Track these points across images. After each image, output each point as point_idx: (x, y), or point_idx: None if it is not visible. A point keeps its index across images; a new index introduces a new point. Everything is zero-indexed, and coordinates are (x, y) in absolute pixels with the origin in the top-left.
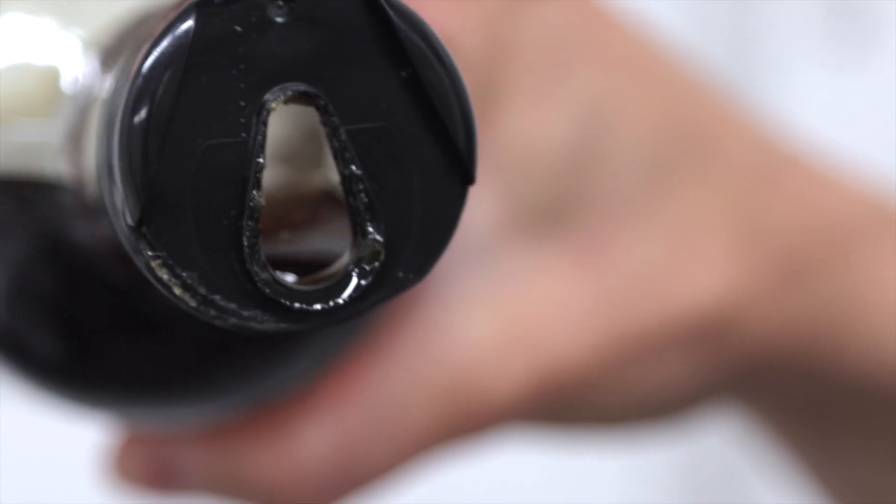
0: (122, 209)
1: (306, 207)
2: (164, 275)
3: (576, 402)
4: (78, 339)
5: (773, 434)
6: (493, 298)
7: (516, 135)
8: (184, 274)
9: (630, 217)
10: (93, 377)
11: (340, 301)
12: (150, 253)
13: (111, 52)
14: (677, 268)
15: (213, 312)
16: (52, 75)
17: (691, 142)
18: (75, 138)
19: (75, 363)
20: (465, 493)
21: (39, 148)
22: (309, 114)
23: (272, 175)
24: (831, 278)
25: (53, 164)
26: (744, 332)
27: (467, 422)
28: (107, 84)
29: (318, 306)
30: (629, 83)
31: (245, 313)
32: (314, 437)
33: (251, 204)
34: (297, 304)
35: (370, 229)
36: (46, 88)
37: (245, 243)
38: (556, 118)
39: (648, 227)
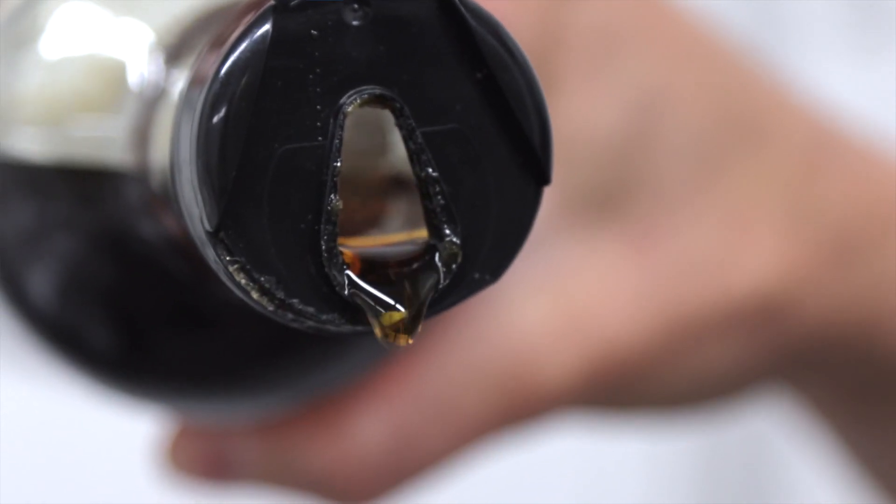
0: (199, 214)
1: (376, 199)
2: (242, 279)
3: (629, 387)
4: (137, 332)
5: (819, 418)
6: (548, 286)
7: (569, 122)
8: (262, 278)
9: (682, 202)
10: (150, 370)
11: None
12: (228, 258)
13: (177, 48)
14: (730, 251)
15: (290, 316)
16: (116, 70)
17: (742, 126)
18: (141, 134)
19: (133, 356)
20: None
21: (103, 142)
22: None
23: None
24: (882, 259)
25: (117, 158)
26: (796, 314)
27: (523, 407)
28: (176, 81)
29: None
30: (680, 70)
31: (323, 317)
32: (370, 425)
33: (329, 208)
34: None
35: (447, 231)
36: (111, 84)
37: (323, 247)
38: (608, 105)
39: (700, 211)
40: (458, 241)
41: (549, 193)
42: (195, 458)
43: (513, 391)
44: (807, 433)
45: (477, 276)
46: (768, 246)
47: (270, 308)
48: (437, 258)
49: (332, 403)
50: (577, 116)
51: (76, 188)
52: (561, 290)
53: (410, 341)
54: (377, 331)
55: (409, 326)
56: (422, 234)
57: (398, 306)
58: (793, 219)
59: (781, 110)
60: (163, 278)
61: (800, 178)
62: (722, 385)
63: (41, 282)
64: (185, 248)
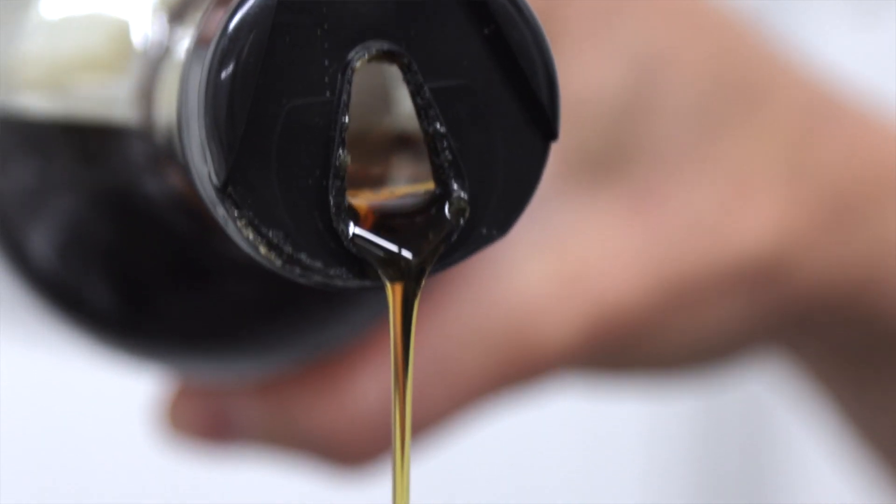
0: (207, 170)
1: (383, 156)
2: (250, 234)
3: (629, 347)
4: (139, 290)
5: (816, 384)
6: (548, 246)
7: (570, 82)
8: (269, 233)
9: (682, 163)
10: (153, 328)
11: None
12: (236, 213)
13: (181, 6)
14: (729, 212)
15: (298, 271)
16: (120, 30)
17: (742, 89)
18: (145, 92)
19: (136, 314)
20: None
21: (107, 101)
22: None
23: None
24: (881, 221)
25: (120, 116)
26: (794, 274)
27: (523, 367)
28: (180, 39)
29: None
30: (681, 33)
31: (331, 271)
32: (370, 384)
33: (336, 163)
34: None
35: (455, 186)
36: (115, 43)
37: (331, 202)
38: (610, 66)
39: (700, 172)
40: (465, 197)
41: (550, 154)
42: (195, 419)
43: (513, 351)
44: (804, 399)
45: (484, 231)
46: (767, 207)
47: (278, 263)
48: (445, 210)
49: (333, 363)
50: (578, 77)
51: (80, 147)
52: (561, 250)
53: (418, 291)
54: (384, 280)
55: (415, 278)
56: (429, 186)
57: (405, 254)
58: (792, 180)
59: (781, 74)
60: (166, 236)
61: (799, 141)
62: (721, 346)
63: (44, 240)
64: (189, 205)
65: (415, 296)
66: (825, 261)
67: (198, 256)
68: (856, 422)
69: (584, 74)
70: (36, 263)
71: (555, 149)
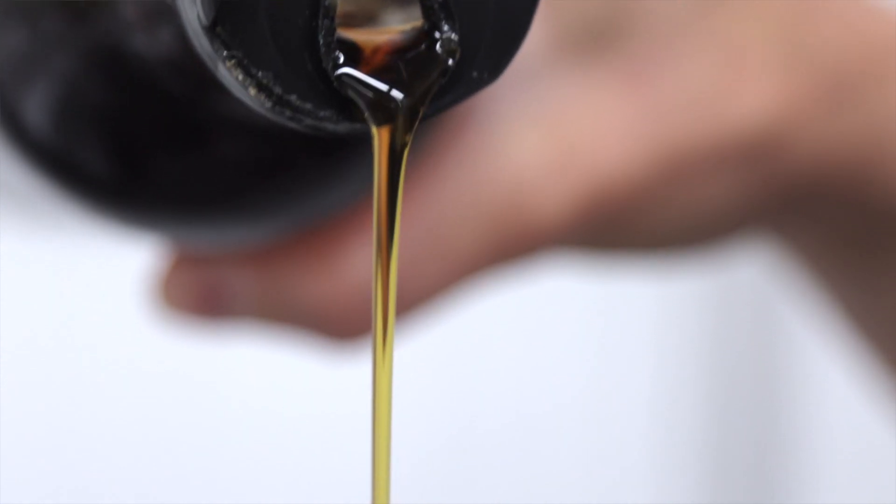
0: (195, 10)
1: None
2: (240, 75)
3: (624, 222)
4: (131, 153)
5: (809, 272)
6: (542, 120)
7: None
8: (259, 73)
9: (677, 38)
10: (146, 192)
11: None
12: (224, 53)
13: None
14: (725, 87)
15: (288, 113)
16: None
17: None
18: None
19: (128, 178)
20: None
21: None
22: None
23: None
24: (878, 100)
25: None
26: (791, 151)
27: (515, 243)
28: None
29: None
30: None
31: (321, 113)
32: (363, 255)
33: (326, 3)
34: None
35: (445, 28)
36: None
37: (321, 42)
38: None
39: (695, 47)
40: (456, 38)
41: (542, 29)
42: (188, 292)
43: (507, 225)
44: (796, 287)
45: (475, 74)
46: (763, 82)
47: (268, 105)
48: (437, 49)
49: (327, 233)
50: None
51: (68, 5)
52: (554, 125)
53: (408, 138)
54: (373, 124)
55: (406, 119)
56: (419, 24)
57: (395, 94)
58: (788, 56)
59: None
60: (158, 98)
61: (796, 17)
62: (715, 223)
63: (35, 105)
64: (181, 64)
65: (404, 145)
66: (821, 138)
67: (191, 118)
68: (850, 311)
69: None
70: (27, 129)
71: (547, 24)
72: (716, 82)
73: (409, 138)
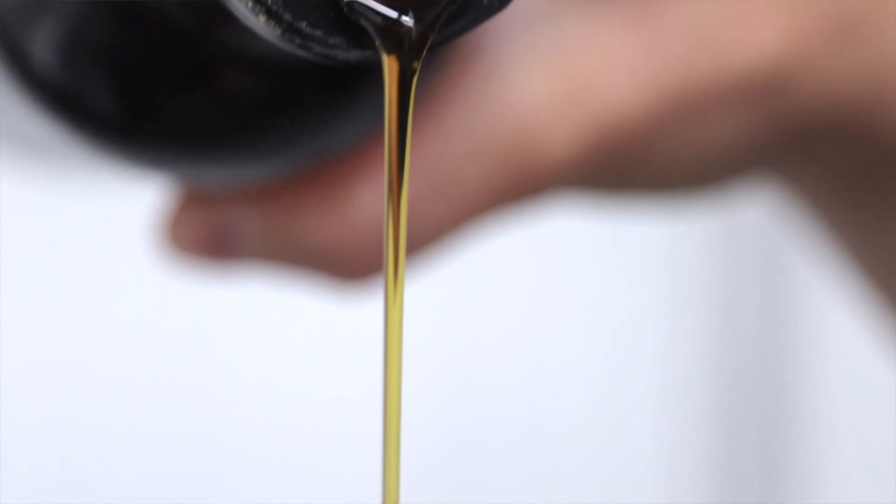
0: None
1: None
2: (249, 2)
3: (630, 162)
4: (137, 89)
5: (814, 214)
6: (549, 58)
7: None
8: (268, 0)
9: None
10: (151, 129)
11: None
12: None
13: None
14: (731, 25)
15: (297, 41)
16: None
17: None
18: None
19: (134, 115)
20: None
21: None
22: None
23: None
24: (883, 38)
25: None
26: (798, 89)
27: (525, 181)
28: None
29: None
30: None
31: (330, 41)
32: (371, 195)
33: None
34: None
35: None
36: None
37: None
38: None
39: None
40: None
41: None
42: (197, 233)
43: (516, 163)
44: (805, 232)
45: (486, 1)
46: (770, 19)
47: (277, 32)
48: None
49: (334, 172)
50: None
51: None
52: (563, 63)
53: (417, 65)
54: (383, 52)
55: (416, 45)
56: None
57: (405, 20)
58: None
59: None
60: (165, 30)
61: None
62: (722, 163)
63: (39, 42)
64: None
65: (413, 72)
66: (828, 76)
67: (198, 51)
68: (854, 254)
69: None
70: (32, 66)
71: None
72: (722, 20)
73: (419, 65)
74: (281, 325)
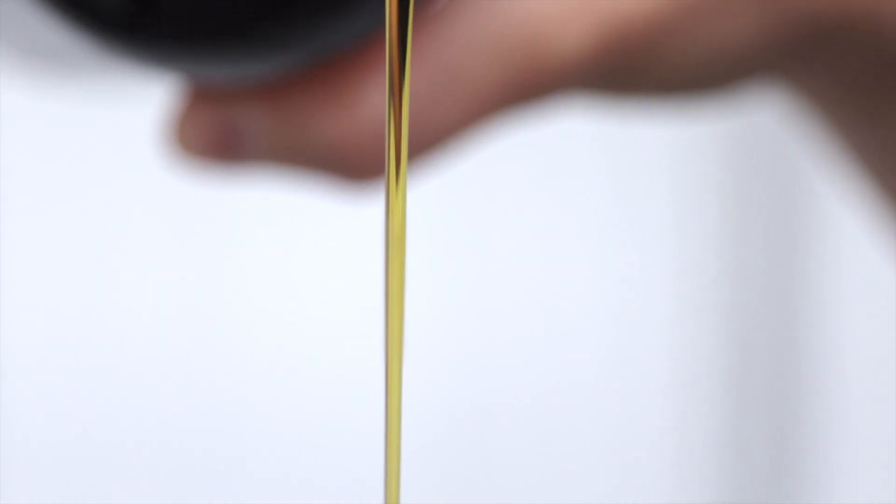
0: None
1: None
2: None
3: (641, 62)
4: None
5: (821, 118)
6: None
7: None
8: None
9: None
10: (157, 24)
11: None
12: None
13: None
14: None
15: None
16: None
17: None
18: None
19: (139, 10)
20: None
21: None
22: None
23: None
24: None
25: None
26: None
27: (533, 81)
28: None
29: None
30: None
31: None
32: (378, 93)
33: None
34: None
35: None
36: None
37: None
38: None
39: None
40: None
41: None
42: (203, 135)
43: (524, 62)
44: (813, 138)
45: None
46: None
47: None
48: None
49: (342, 70)
50: None
51: None
52: None
53: None
54: None
55: None
56: None
57: None
58: None
59: None
60: None
61: None
62: (731, 65)
63: None
64: None
65: None
66: None
67: None
68: (863, 156)
69: None
70: None
71: None
72: None
73: None
74: (288, 310)
